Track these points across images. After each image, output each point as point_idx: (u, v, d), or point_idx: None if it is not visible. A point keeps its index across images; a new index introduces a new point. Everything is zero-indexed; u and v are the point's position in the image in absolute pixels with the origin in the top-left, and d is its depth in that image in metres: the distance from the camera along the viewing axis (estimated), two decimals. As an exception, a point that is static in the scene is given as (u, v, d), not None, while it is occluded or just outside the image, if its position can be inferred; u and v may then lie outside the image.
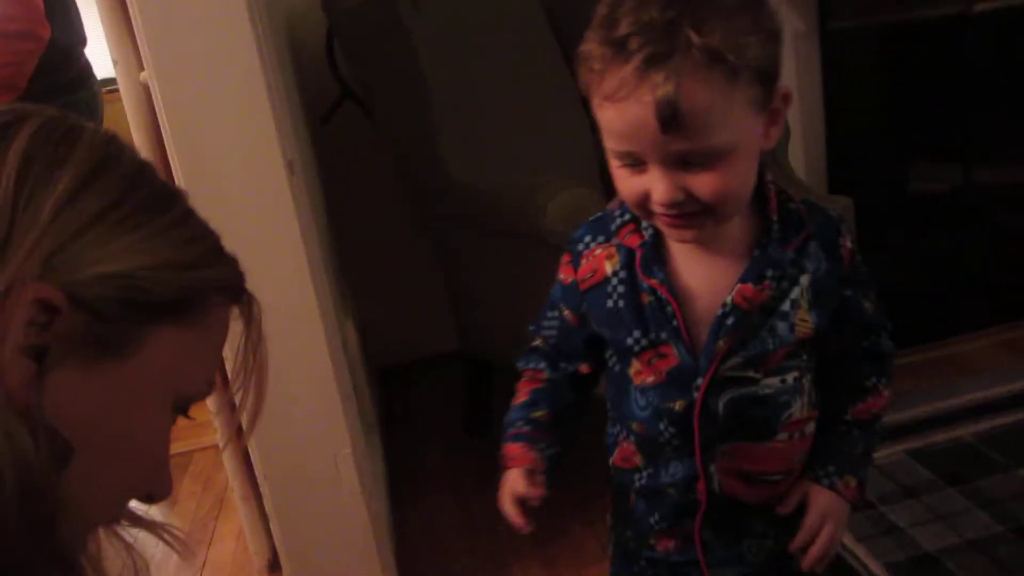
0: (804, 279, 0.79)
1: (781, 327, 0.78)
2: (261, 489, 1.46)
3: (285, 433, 1.38)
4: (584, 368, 0.90)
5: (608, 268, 0.82)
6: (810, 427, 0.85)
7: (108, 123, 2.23)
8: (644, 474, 0.86)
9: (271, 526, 1.48)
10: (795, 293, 0.79)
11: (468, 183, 1.83)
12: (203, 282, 0.53)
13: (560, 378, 0.90)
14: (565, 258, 0.87)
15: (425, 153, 1.90)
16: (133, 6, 1.16)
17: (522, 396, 0.91)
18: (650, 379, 0.82)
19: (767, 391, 0.80)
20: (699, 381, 0.79)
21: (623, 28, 0.67)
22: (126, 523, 0.58)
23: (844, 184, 2.35)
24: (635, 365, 0.83)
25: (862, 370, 0.87)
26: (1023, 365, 2.06)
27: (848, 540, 1.53)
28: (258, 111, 1.22)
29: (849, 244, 0.83)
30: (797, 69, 2.43)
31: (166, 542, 0.62)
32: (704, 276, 0.79)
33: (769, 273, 0.78)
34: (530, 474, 0.85)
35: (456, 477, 1.92)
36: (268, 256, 1.28)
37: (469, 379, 2.10)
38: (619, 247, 0.82)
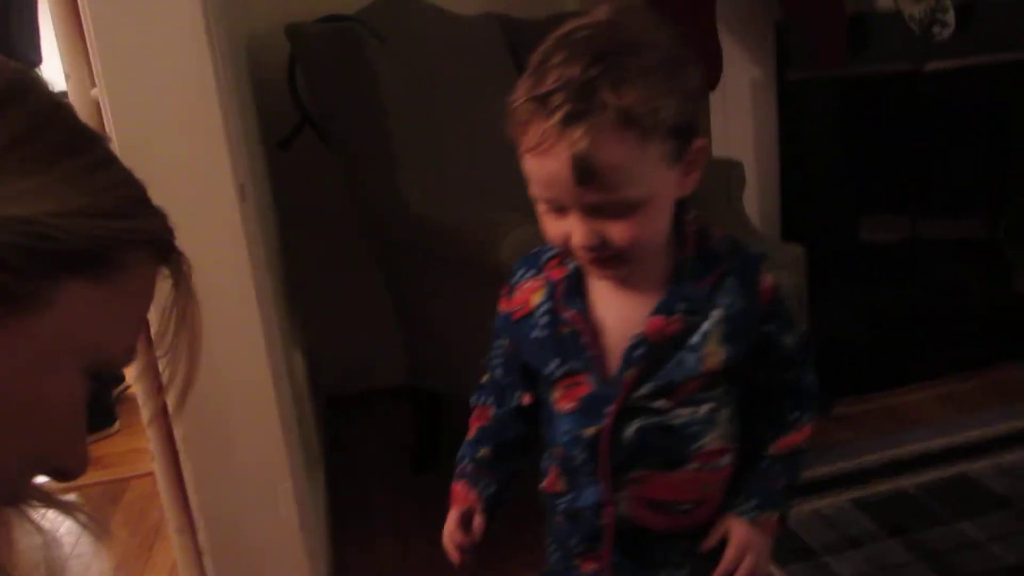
0: (716, 313, 0.82)
1: (690, 359, 0.82)
2: (196, 522, 1.41)
3: (223, 464, 1.34)
4: (526, 399, 0.93)
5: (534, 300, 0.87)
6: (725, 459, 0.87)
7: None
8: (566, 499, 0.89)
9: (204, 561, 1.42)
10: (706, 326, 0.82)
11: (425, 215, 1.82)
12: (120, 233, 0.48)
13: (505, 413, 0.94)
14: (503, 290, 0.91)
15: (383, 183, 1.88)
16: (86, 19, 1.14)
17: (471, 433, 0.96)
18: (568, 406, 0.86)
19: (677, 421, 0.83)
20: (608, 408, 0.82)
21: (548, 83, 0.72)
22: (34, 502, 0.53)
23: (797, 232, 2.38)
24: (555, 392, 0.87)
25: (783, 405, 0.90)
26: (964, 418, 2.09)
27: (791, 589, 1.53)
28: (210, 132, 1.20)
29: (771, 282, 0.85)
30: (754, 117, 2.48)
31: (80, 523, 0.57)
32: (619, 308, 0.83)
33: (679, 307, 0.81)
34: (465, 516, 0.90)
35: (400, 515, 1.88)
36: (214, 281, 1.24)
37: (418, 414, 2.07)
38: (546, 280, 0.87)
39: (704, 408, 0.83)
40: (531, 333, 0.87)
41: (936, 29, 2.33)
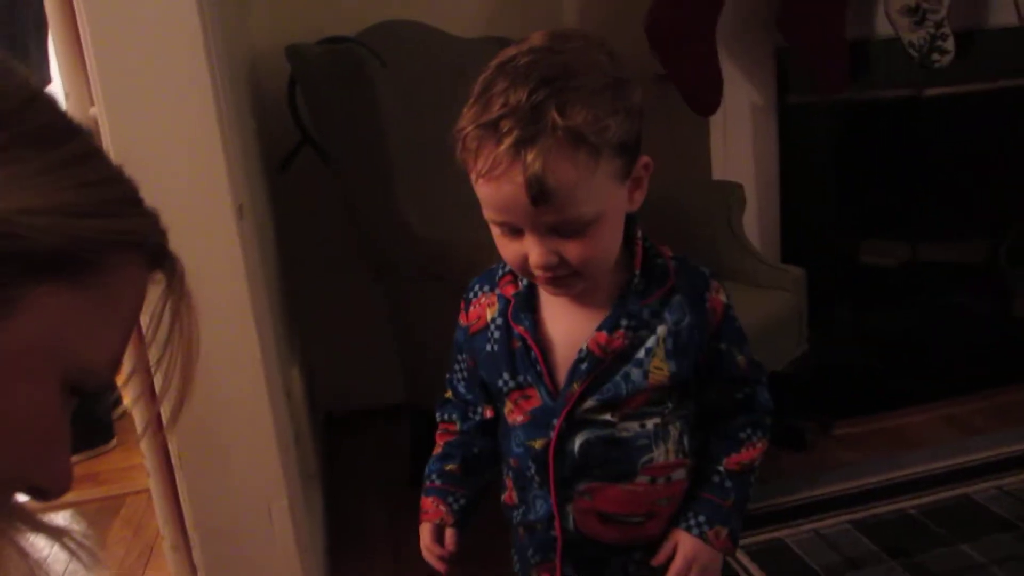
0: (661, 329, 0.84)
1: (635, 374, 0.84)
2: (191, 539, 1.40)
3: (219, 481, 1.33)
4: (488, 412, 0.95)
5: (489, 315, 0.90)
6: (678, 474, 0.88)
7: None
8: (520, 510, 0.92)
9: (198, 578, 1.42)
10: (651, 342, 0.84)
11: (422, 235, 1.83)
12: (102, 233, 0.44)
13: (470, 428, 0.97)
14: (461, 305, 0.94)
15: (381, 203, 1.89)
16: (86, 38, 1.15)
17: (437, 449, 0.99)
18: (519, 418, 0.88)
19: (624, 435, 0.85)
20: (555, 421, 0.84)
21: (495, 110, 0.74)
22: (20, 525, 0.48)
23: (796, 255, 2.39)
24: (508, 405, 0.89)
25: (736, 422, 0.91)
26: (964, 440, 2.08)
27: (790, 612, 1.52)
28: (209, 151, 1.21)
29: (723, 300, 0.88)
30: (755, 141, 2.49)
31: (68, 549, 0.52)
32: (568, 324, 0.86)
33: (624, 323, 0.83)
34: (438, 529, 0.93)
35: (397, 533, 1.87)
36: (212, 300, 1.24)
37: (415, 432, 2.07)
38: (499, 296, 0.89)
39: (651, 423, 0.85)
40: (485, 347, 0.89)
41: (935, 56, 2.35)
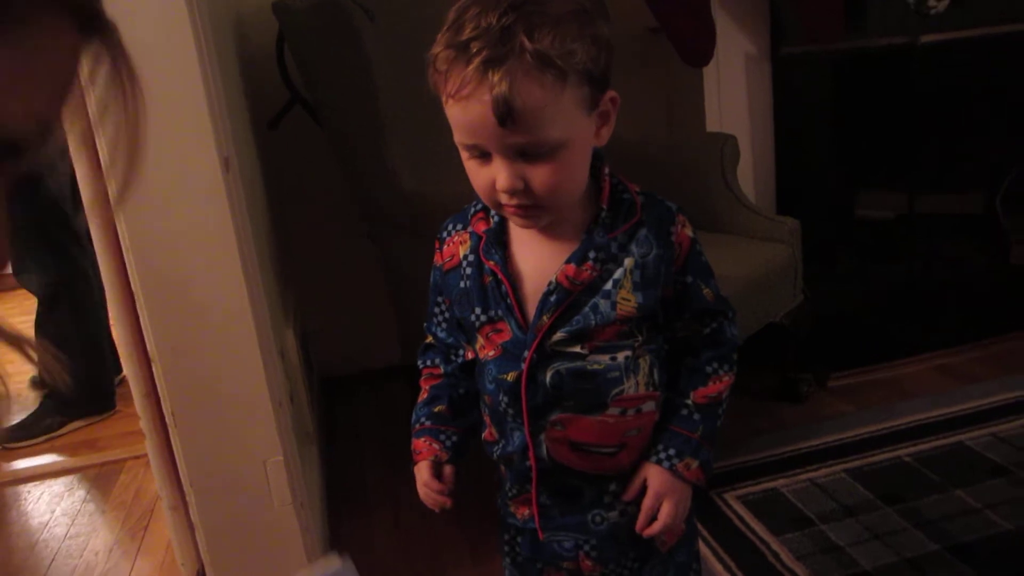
0: (628, 262, 0.85)
1: (603, 305, 0.85)
2: (187, 497, 1.41)
3: (213, 438, 1.34)
4: (469, 354, 0.96)
5: (461, 252, 0.91)
6: (648, 405, 0.90)
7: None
8: (499, 445, 0.93)
9: (197, 536, 1.43)
10: (618, 274, 0.85)
11: (414, 191, 1.81)
12: None
13: (453, 369, 0.97)
14: (436, 245, 0.95)
15: (372, 160, 1.87)
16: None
17: (424, 394, 0.99)
18: (491, 353, 0.89)
19: (595, 367, 0.86)
20: (526, 353, 0.86)
21: (466, 33, 0.75)
22: None
23: (792, 207, 2.37)
24: (479, 340, 0.91)
25: (703, 356, 0.92)
26: (959, 389, 2.08)
27: (787, 559, 1.53)
28: (194, 103, 1.19)
29: (689, 234, 0.89)
30: (748, 91, 2.46)
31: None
32: (537, 258, 0.87)
33: (592, 255, 0.85)
34: (435, 466, 0.93)
35: (397, 493, 1.88)
36: (200, 252, 1.24)
37: (412, 392, 2.07)
38: (471, 233, 0.91)
39: (622, 355, 0.86)
40: (459, 283, 0.91)
41: (931, 2, 2.31)
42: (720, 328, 0.92)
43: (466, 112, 0.77)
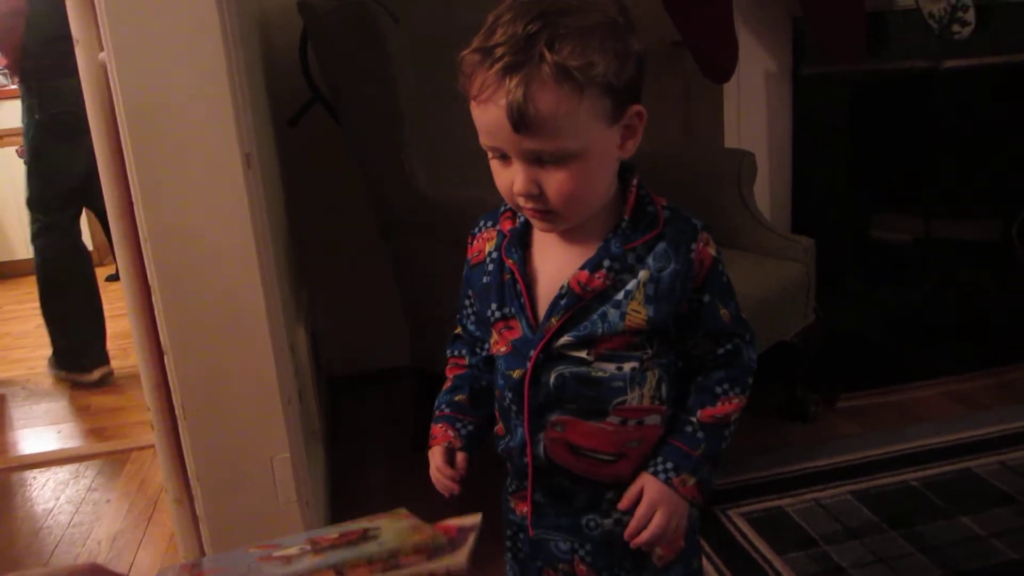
0: (643, 274, 0.86)
1: (612, 314, 0.86)
2: (192, 490, 1.41)
3: (221, 432, 1.34)
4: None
5: (487, 248, 0.94)
6: (652, 419, 0.90)
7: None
8: (505, 440, 0.95)
9: (200, 529, 1.43)
10: (631, 285, 0.86)
11: (430, 195, 1.82)
12: None
13: (477, 362, 1.00)
14: (468, 240, 0.97)
15: (390, 161, 1.88)
16: (95, -18, 1.14)
17: (448, 383, 1.02)
18: (503, 349, 0.91)
19: (599, 374, 0.87)
20: (532, 353, 0.87)
21: (495, 38, 0.78)
22: None
23: (807, 226, 2.37)
24: (494, 335, 0.92)
25: (714, 375, 0.92)
26: (969, 416, 2.07)
27: (789, 579, 1.52)
28: (218, 98, 1.20)
29: (712, 252, 0.89)
30: (768, 109, 2.46)
31: None
32: (556, 261, 0.88)
33: (606, 264, 0.86)
34: (448, 452, 0.95)
35: (400, 494, 1.87)
36: (217, 247, 1.25)
37: (419, 395, 2.07)
38: (498, 231, 0.93)
39: (628, 366, 0.87)
40: (482, 279, 0.93)
41: (956, 28, 2.31)
42: (736, 350, 0.92)
43: (485, 115, 0.80)
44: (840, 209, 2.71)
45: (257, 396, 1.34)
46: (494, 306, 0.91)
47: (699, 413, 0.91)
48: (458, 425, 0.97)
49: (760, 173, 2.14)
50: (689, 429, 0.90)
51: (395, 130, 1.87)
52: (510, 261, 0.90)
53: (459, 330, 1.02)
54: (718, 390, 0.91)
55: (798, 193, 2.52)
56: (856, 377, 2.28)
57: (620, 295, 0.86)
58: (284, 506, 1.40)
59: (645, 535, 0.89)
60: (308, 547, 0.70)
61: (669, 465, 0.90)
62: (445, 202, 1.79)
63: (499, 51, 0.77)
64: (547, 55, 0.75)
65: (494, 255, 0.92)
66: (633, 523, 0.90)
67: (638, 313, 0.85)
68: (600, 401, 0.87)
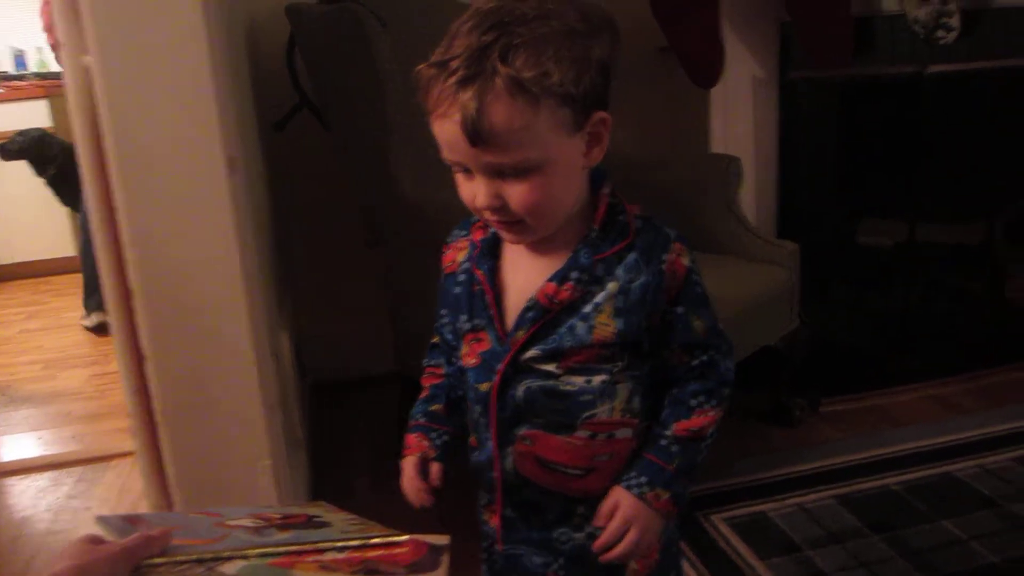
0: (612, 285, 0.84)
1: (580, 327, 0.84)
2: (173, 499, 1.40)
3: (202, 439, 1.33)
4: None
5: (460, 259, 0.93)
6: (623, 432, 0.88)
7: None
8: (476, 452, 0.94)
9: (182, 536, 1.42)
10: (600, 298, 0.84)
11: (416, 200, 1.81)
12: None
13: (454, 371, 0.98)
14: (443, 249, 0.97)
15: (376, 166, 1.88)
16: (78, -14, 1.13)
17: (424, 392, 1.01)
18: (471, 361, 0.90)
19: (568, 388, 0.85)
20: (499, 365, 0.87)
21: (453, 51, 0.76)
22: None
23: (793, 231, 2.38)
24: (463, 347, 0.92)
25: (689, 388, 0.90)
26: (950, 420, 2.09)
27: (772, 584, 1.53)
28: (202, 101, 1.19)
29: (685, 263, 0.86)
30: (755, 115, 2.47)
31: None
32: (525, 272, 0.87)
33: (574, 276, 0.84)
34: (422, 463, 0.94)
35: (384, 501, 1.87)
36: (200, 251, 1.24)
37: (403, 401, 2.06)
38: (470, 242, 0.92)
39: (598, 379, 0.85)
40: (454, 289, 0.92)
41: (941, 33, 2.33)
42: (711, 362, 0.90)
43: (442, 130, 0.78)
44: (825, 214, 2.72)
45: (239, 402, 1.33)
46: (464, 317, 0.90)
47: (674, 427, 0.89)
48: (433, 435, 0.96)
49: (746, 178, 2.15)
50: (664, 443, 0.88)
51: (382, 136, 1.87)
52: (480, 272, 0.89)
53: (436, 339, 1.01)
54: (693, 403, 0.89)
55: (784, 198, 2.53)
56: (839, 381, 2.29)
57: (588, 307, 0.84)
58: (266, 512, 1.40)
59: (618, 550, 0.87)
60: (262, 521, 0.71)
61: (643, 479, 0.87)
62: (431, 209, 1.78)
63: (453, 64, 0.75)
64: (500, 67, 0.74)
65: (465, 265, 0.91)
66: (604, 536, 0.87)
67: (607, 326, 0.84)
68: (569, 415, 0.86)
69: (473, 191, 0.81)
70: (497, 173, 0.79)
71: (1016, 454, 1.89)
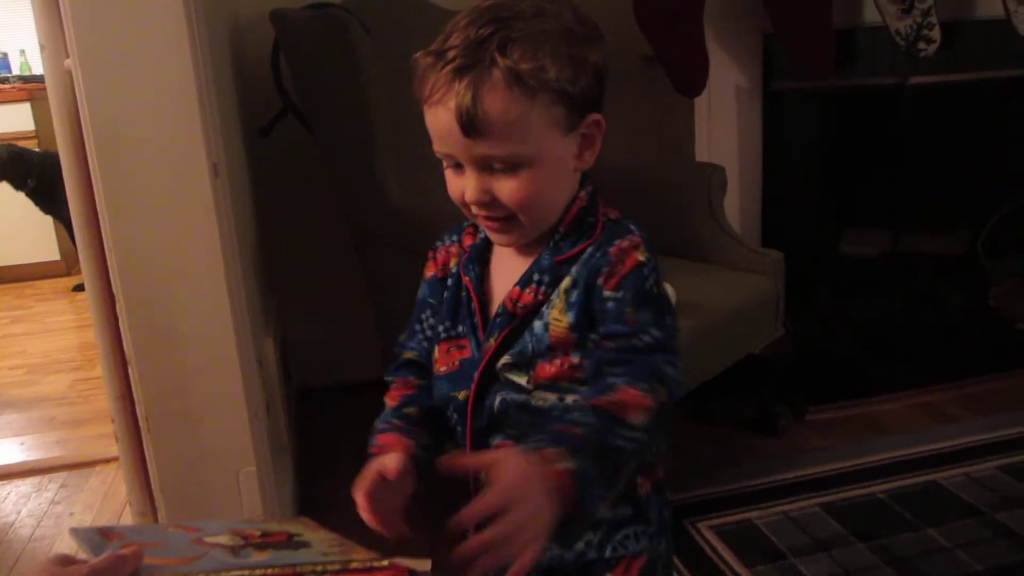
0: (565, 281, 0.82)
1: (537, 327, 0.82)
2: (157, 505, 1.39)
3: (186, 445, 1.32)
4: None
5: (452, 264, 0.91)
6: None
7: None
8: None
9: (164, 544, 1.40)
10: (554, 294, 0.82)
11: (401, 206, 1.81)
12: None
13: (429, 383, 0.92)
14: (429, 255, 0.94)
15: (361, 172, 1.87)
16: (61, -12, 1.13)
17: (392, 401, 0.92)
18: (443, 368, 0.88)
19: (542, 404, 0.82)
20: (474, 373, 0.85)
21: (451, 41, 0.76)
22: None
23: (777, 240, 2.39)
24: (436, 353, 0.89)
25: (611, 371, 0.78)
26: (935, 428, 2.10)
27: (758, 591, 1.53)
28: (184, 107, 1.19)
29: (639, 257, 0.79)
30: (739, 124, 2.48)
31: None
32: (506, 277, 0.86)
33: (536, 278, 0.83)
34: (406, 458, 0.83)
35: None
36: (183, 257, 1.23)
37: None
38: (460, 247, 0.91)
39: (571, 398, 0.81)
40: (443, 294, 0.91)
41: (922, 45, 2.35)
42: (637, 348, 0.78)
43: (436, 118, 0.78)
44: (809, 223, 2.74)
45: (223, 408, 1.32)
46: (448, 323, 0.88)
47: (591, 400, 0.76)
48: (414, 435, 0.86)
49: (730, 187, 2.15)
50: (575, 414, 0.75)
51: (367, 141, 1.87)
52: (467, 278, 0.88)
53: (411, 355, 0.94)
54: (611, 380, 0.76)
55: (768, 207, 2.54)
56: (824, 390, 2.30)
57: (546, 307, 0.82)
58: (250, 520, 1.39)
59: (489, 534, 0.65)
60: (240, 539, 0.69)
61: (540, 438, 0.72)
62: (417, 213, 1.78)
63: (451, 54, 0.75)
64: (498, 58, 0.74)
65: (454, 271, 0.90)
66: (472, 509, 0.66)
67: (559, 322, 0.81)
68: (542, 429, 0.78)
69: (462, 186, 0.80)
70: (487, 167, 0.78)
71: (1001, 463, 1.90)
